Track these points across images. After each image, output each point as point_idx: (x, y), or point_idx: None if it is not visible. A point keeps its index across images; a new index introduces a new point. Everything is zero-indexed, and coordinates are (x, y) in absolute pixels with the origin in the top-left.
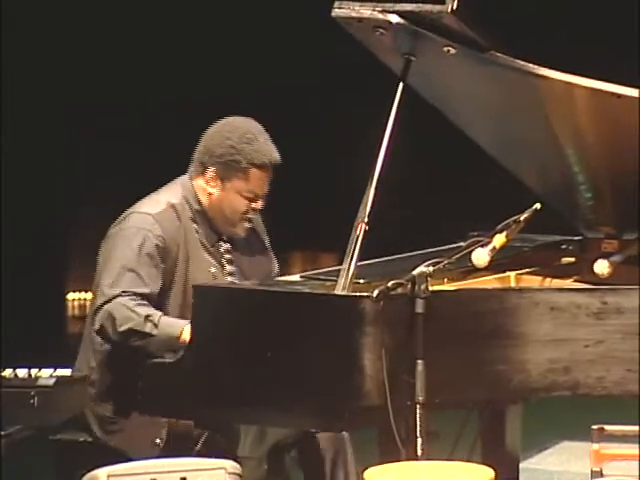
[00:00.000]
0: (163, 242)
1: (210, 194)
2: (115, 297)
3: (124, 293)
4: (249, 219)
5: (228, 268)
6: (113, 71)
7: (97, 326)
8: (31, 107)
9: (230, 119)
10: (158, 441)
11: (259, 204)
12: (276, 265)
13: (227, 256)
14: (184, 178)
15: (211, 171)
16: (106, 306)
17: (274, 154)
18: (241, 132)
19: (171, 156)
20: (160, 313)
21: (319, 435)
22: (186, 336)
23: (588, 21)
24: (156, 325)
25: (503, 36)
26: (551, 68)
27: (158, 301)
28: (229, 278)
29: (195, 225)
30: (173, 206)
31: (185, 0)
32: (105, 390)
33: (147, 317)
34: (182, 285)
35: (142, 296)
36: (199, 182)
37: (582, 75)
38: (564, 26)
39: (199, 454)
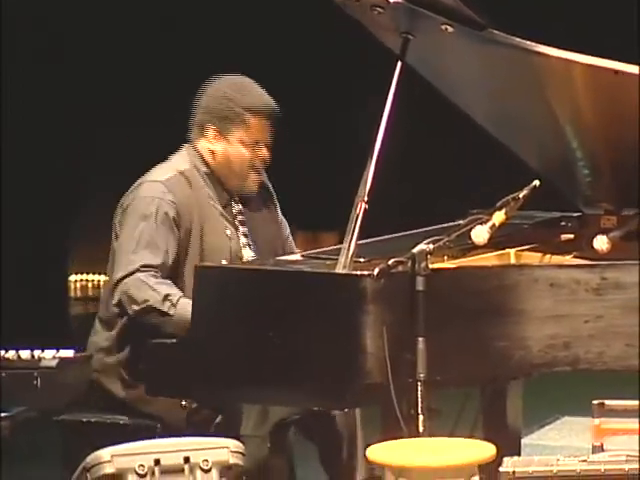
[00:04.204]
0: (176, 208)
1: (215, 152)
2: (134, 272)
3: (143, 268)
4: (258, 170)
5: (242, 229)
6: (114, 69)
7: (116, 300)
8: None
9: (222, 77)
10: (184, 403)
11: (264, 151)
12: (289, 231)
13: (240, 217)
14: (187, 145)
15: (211, 129)
16: (126, 280)
17: (269, 101)
18: (234, 85)
19: (169, 139)
20: (180, 294)
21: (335, 413)
22: None
23: (586, 15)
24: (174, 305)
25: (500, 29)
26: None
27: (174, 269)
28: (243, 239)
29: (206, 189)
30: (182, 172)
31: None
32: (126, 358)
33: (166, 296)
34: (198, 251)
35: (159, 267)
36: (202, 143)
37: None
38: (561, 19)
39: (218, 427)
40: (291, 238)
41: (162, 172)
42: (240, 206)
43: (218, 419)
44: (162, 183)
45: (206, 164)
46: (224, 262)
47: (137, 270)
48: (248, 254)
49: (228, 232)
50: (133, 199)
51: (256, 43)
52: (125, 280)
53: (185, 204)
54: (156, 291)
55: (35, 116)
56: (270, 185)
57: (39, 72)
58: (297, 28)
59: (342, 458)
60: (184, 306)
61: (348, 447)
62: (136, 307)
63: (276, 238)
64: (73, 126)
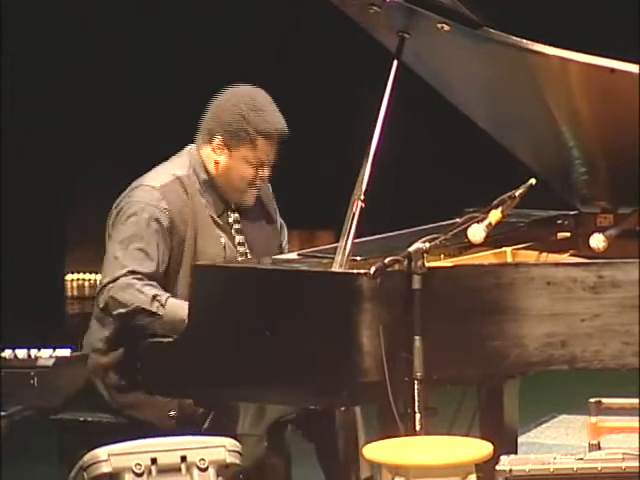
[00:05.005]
0: (169, 216)
1: (217, 162)
2: (121, 276)
3: (130, 273)
4: (257, 187)
5: (238, 238)
6: (114, 69)
7: (101, 304)
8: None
9: (238, 88)
10: (172, 413)
11: (266, 171)
12: (286, 235)
13: (236, 226)
14: (191, 147)
15: (219, 139)
16: (111, 285)
17: (281, 124)
18: (249, 101)
19: (169, 140)
20: (168, 294)
21: (335, 411)
22: None
23: (586, 15)
24: (163, 306)
25: (498, 28)
26: None
27: (166, 279)
28: (239, 248)
29: (203, 196)
30: (179, 178)
31: None
32: (117, 361)
33: (154, 297)
34: (192, 260)
35: (148, 276)
36: (206, 150)
37: None
38: (561, 18)
39: (208, 430)
40: (287, 242)
41: (159, 177)
42: (237, 215)
43: (206, 425)
44: (157, 190)
45: (206, 171)
46: None
47: (123, 276)
48: None
49: (222, 240)
50: (127, 203)
51: (256, 43)
52: (111, 285)
53: (179, 211)
54: (143, 293)
55: (35, 115)
56: (270, 189)
57: (39, 72)
58: (297, 28)
59: (340, 457)
60: (173, 306)
61: (346, 446)
62: (123, 310)
63: (273, 248)
64: (73, 126)
